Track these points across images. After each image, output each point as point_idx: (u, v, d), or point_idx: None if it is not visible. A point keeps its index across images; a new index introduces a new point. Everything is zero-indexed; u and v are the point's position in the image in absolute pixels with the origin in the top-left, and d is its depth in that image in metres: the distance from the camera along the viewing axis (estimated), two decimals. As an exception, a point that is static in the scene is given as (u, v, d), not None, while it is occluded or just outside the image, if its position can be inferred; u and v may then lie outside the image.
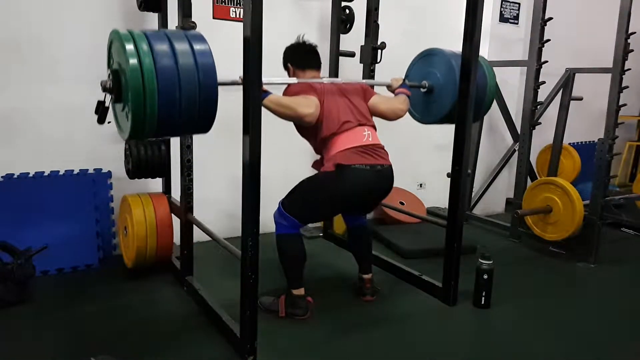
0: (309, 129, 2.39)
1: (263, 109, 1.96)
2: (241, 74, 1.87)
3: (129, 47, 1.63)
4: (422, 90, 2.83)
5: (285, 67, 2.59)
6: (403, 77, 2.89)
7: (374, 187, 2.40)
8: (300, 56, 2.53)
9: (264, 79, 1.89)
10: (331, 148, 2.34)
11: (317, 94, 2.33)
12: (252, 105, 1.81)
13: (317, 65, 2.55)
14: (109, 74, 1.76)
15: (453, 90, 2.61)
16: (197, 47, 1.74)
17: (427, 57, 2.88)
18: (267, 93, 2.17)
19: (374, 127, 2.47)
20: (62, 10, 2.85)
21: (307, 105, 2.27)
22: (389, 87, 2.74)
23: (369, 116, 2.47)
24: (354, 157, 2.30)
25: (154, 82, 1.63)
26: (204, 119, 1.80)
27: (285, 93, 2.39)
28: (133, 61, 1.62)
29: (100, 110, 1.82)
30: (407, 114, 2.74)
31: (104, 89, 1.75)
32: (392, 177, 2.45)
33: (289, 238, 2.40)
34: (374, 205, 2.65)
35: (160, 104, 1.66)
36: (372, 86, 2.70)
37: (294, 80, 2.40)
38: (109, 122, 3.04)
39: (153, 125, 1.69)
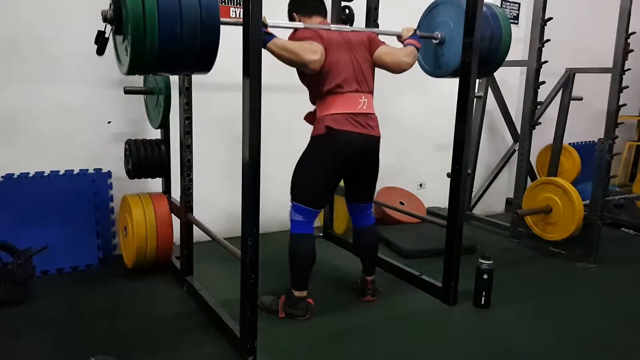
0: (309, 78, 2.37)
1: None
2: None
3: None
4: (434, 41, 2.71)
5: (290, 17, 2.52)
6: (415, 26, 2.76)
7: (362, 148, 2.39)
8: (305, 3, 2.47)
9: (270, 22, 1.84)
10: (325, 107, 2.34)
11: (323, 43, 2.29)
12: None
13: (323, 11, 2.49)
14: (111, 4, 1.74)
15: None
16: None
17: (440, 6, 2.74)
18: (271, 36, 2.13)
19: (371, 93, 2.44)
20: (62, 10, 2.85)
21: (313, 52, 2.21)
22: (399, 38, 2.64)
23: (370, 79, 2.44)
24: (344, 123, 2.31)
25: (155, 15, 1.61)
26: (204, 56, 1.77)
27: (291, 39, 2.33)
28: None
29: (100, 41, 1.79)
30: (417, 65, 2.61)
31: (105, 19, 1.73)
32: (378, 145, 2.46)
33: (303, 238, 2.39)
34: (368, 180, 2.57)
35: (160, 36, 1.64)
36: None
37: (300, 24, 2.33)
38: (109, 122, 3.05)
39: (153, 58, 1.67)
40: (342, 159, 2.37)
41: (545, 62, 3.65)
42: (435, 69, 2.83)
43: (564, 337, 2.36)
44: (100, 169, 3.06)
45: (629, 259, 3.52)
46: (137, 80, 2.84)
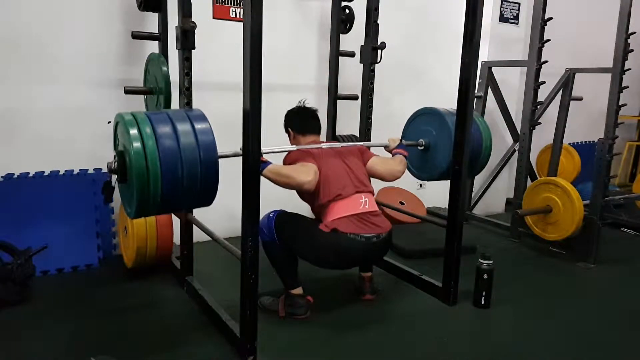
0: (307, 195, 2.43)
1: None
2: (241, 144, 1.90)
3: (133, 131, 1.72)
4: (419, 148, 2.88)
5: (287, 131, 2.64)
6: (400, 136, 2.93)
7: (364, 257, 2.48)
8: (300, 121, 2.59)
9: (264, 149, 1.95)
10: (328, 215, 2.36)
11: (315, 160, 2.37)
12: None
13: (317, 130, 2.60)
14: (115, 156, 1.83)
15: (449, 148, 2.63)
16: (198, 126, 1.82)
17: (423, 116, 2.93)
18: (266, 163, 2.21)
19: (372, 193, 2.49)
20: (62, 10, 2.85)
21: (306, 173, 2.29)
22: (387, 148, 2.78)
23: (366, 181, 2.49)
24: (350, 225, 2.32)
25: (157, 165, 1.72)
26: (206, 194, 1.88)
27: (285, 160, 2.44)
28: (137, 145, 1.70)
29: (107, 191, 1.91)
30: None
31: (110, 170, 1.82)
32: (389, 243, 2.47)
33: (274, 243, 2.42)
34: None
35: (163, 185, 1.74)
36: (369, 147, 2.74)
37: (292, 147, 2.45)
38: (109, 122, 3.05)
39: (157, 204, 1.77)
40: (339, 259, 2.37)
41: (545, 62, 3.65)
42: (422, 173, 2.98)
43: (564, 337, 2.36)
44: (100, 169, 3.05)
45: (629, 259, 3.52)
46: (138, 80, 2.84)
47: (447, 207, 2.68)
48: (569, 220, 3.29)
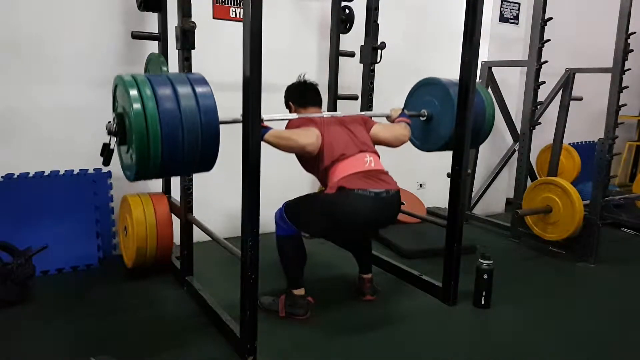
0: (311, 161, 2.41)
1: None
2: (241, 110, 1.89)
3: (133, 92, 1.69)
4: (422, 118, 2.87)
5: (287, 106, 2.63)
6: (402, 107, 2.92)
7: (376, 217, 2.35)
8: (301, 95, 2.57)
9: (264, 116, 1.92)
10: (333, 176, 2.34)
11: (317, 126, 2.36)
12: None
13: (318, 103, 2.59)
14: (114, 117, 1.81)
15: (451, 118, 2.62)
16: (199, 89, 1.79)
17: (425, 86, 2.91)
18: (267, 129, 2.20)
19: (377, 154, 2.47)
20: (61, 10, 2.85)
21: (308, 136, 2.29)
22: (389, 118, 2.77)
23: (370, 143, 2.48)
24: (357, 182, 2.27)
25: (157, 126, 1.68)
26: (206, 159, 1.85)
27: (287, 127, 2.43)
28: (137, 106, 1.67)
29: (106, 153, 1.87)
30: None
31: (109, 132, 1.80)
32: (399, 204, 2.42)
33: (289, 239, 2.40)
34: (375, 233, 2.65)
35: (163, 147, 1.71)
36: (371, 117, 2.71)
37: (294, 115, 2.44)
38: (109, 122, 3.04)
39: (157, 167, 1.74)
40: (351, 224, 2.34)
41: (545, 62, 3.65)
42: (424, 144, 2.97)
43: (564, 337, 2.36)
44: (100, 169, 3.05)
45: (629, 259, 3.52)
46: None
47: (447, 207, 2.68)
48: (569, 220, 3.29)
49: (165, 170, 1.79)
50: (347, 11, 3.45)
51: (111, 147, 1.86)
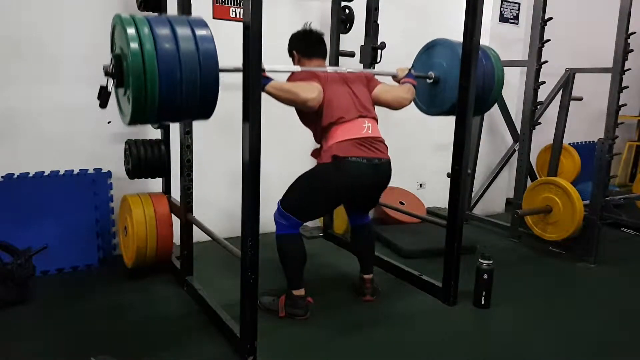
0: (310, 116, 2.38)
1: (264, 96, 1.95)
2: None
3: (131, 31, 1.64)
4: (429, 81, 2.78)
5: (291, 54, 2.56)
6: (409, 67, 2.83)
7: (369, 181, 2.38)
8: (306, 44, 2.50)
9: (266, 66, 1.87)
10: (329, 138, 2.33)
11: (320, 81, 2.32)
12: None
13: (323, 54, 2.53)
14: (112, 59, 1.76)
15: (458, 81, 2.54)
16: (199, 32, 1.74)
17: (434, 48, 2.83)
18: (268, 79, 2.15)
19: (376, 119, 2.44)
20: (62, 9, 2.85)
21: (310, 90, 2.25)
22: (395, 77, 2.69)
23: (370, 107, 2.45)
24: (351, 149, 2.29)
25: (155, 67, 1.63)
26: (205, 104, 1.79)
27: (289, 80, 2.38)
28: (134, 45, 1.62)
29: (103, 95, 1.81)
30: (413, 104, 2.68)
31: (106, 73, 1.75)
32: (389, 172, 2.44)
33: (289, 238, 2.40)
34: (371, 201, 2.64)
35: (161, 88, 1.66)
36: (376, 76, 2.65)
37: (297, 68, 2.38)
38: (109, 122, 3.05)
39: (154, 109, 1.69)
40: (347, 191, 2.37)
41: (545, 62, 3.65)
42: (431, 108, 2.90)
43: (564, 337, 2.36)
44: (100, 169, 3.06)
45: (629, 259, 3.52)
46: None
47: (447, 207, 2.67)
48: (569, 220, 3.29)
49: (162, 114, 1.73)
50: (347, 11, 3.45)
51: (108, 89, 1.80)
